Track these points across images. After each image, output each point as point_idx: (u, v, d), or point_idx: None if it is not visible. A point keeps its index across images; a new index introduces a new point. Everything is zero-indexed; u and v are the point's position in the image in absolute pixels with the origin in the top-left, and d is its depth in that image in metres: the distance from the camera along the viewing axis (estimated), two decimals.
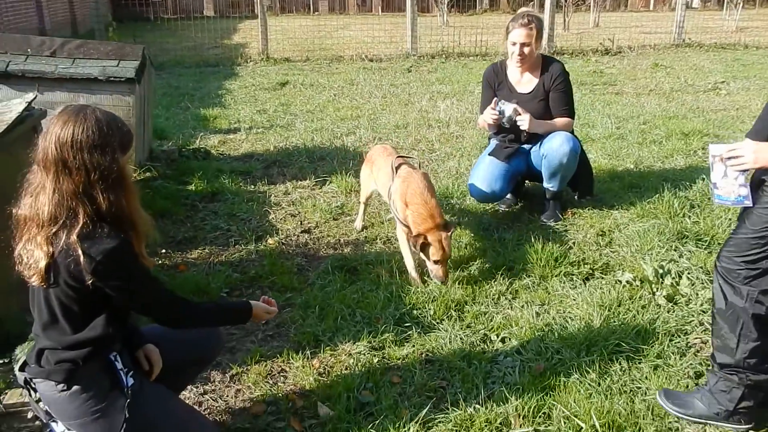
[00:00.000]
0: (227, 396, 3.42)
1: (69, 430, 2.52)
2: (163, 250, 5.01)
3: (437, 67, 14.49)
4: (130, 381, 2.55)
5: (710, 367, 3.09)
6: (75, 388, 2.44)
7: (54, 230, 2.33)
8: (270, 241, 5.25)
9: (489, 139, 5.82)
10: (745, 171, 2.78)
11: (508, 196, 5.85)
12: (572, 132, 5.47)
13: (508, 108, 5.17)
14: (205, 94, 11.55)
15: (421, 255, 4.43)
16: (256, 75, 13.65)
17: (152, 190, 6.00)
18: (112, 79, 5.76)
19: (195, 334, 2.95)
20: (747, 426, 3.03)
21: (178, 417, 2.73)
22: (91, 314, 2.45)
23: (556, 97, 5.40)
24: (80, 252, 2.28)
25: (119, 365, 2.54)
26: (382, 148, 5.32)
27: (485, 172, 5.45)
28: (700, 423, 3.07)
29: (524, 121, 5.12)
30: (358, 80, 12.79)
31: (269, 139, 8.37)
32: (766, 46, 16.78)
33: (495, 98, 5.29)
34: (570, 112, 5.48)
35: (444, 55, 15.98)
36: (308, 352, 3.74)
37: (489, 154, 5.55)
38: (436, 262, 4.36)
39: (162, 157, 7.10)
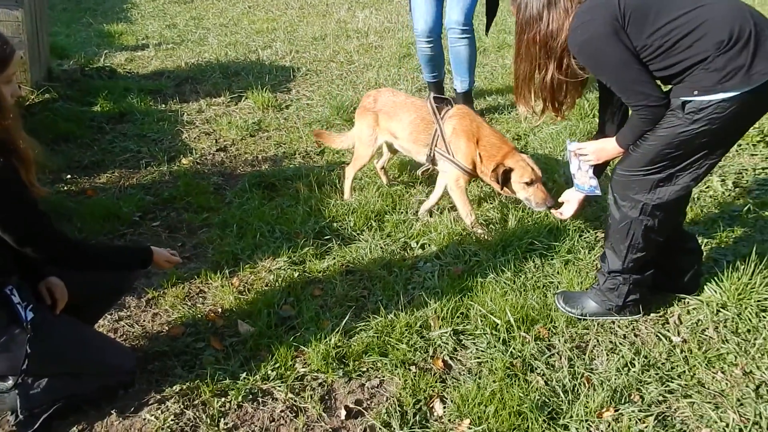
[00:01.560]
0: (144, 321, 3.35)
1: None
2: (69, 176, 4.78)
3: None
4: (30, 315, 2.43)
5: (599, 268, 3.23)
6: None
7: None
8: (184, 161, 5.09)
9: None
10: (592, 165, 3.22)
11: None
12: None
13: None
14: (109, 8, 10.90)
15: (506, 191, 3.94)
16: None
17: (52, 113, 5.66)
18: None
19: None
20: (638, 315, 3.26)
21: (89, 347, 2.67)
22: None
23: None
24: None
25: (16, 299, 2.42)
26: (389, 93, 4.42)
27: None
28: (595, 320, 3.24)
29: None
30: None
31: (180, 55, 8.01)
32: None
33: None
34: None
35: None
36: (227, 271, 3.69)
37: None
38: (528, 183, 3.82)
39: (63, 77, 6.69)
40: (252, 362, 3.01)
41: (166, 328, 3.29)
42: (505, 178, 3.83)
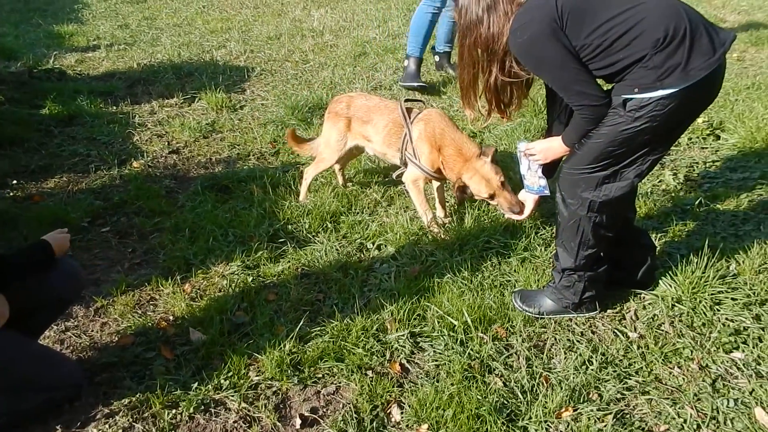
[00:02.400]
0: (92, 331, 3.25)
1: None
2: (15, 181, 4.62)
3: None
4: None
5: (554, 266, 3.23)
6: None
7: None
8: (135, 164, 4.95)
9: None
10: (541, 165, 3.25)
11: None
12: None
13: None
14: (59, 9, 10.60)
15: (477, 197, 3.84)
16: None
17: None
18: None
19: (52, 276, 2.74)
20: (595, 312, 3.27)
21: (31, 360, 2.57)
22: None
23: None
24: None
25: None
26: (363, 97, 4.32)
27: None
28: (552, 318, 3.23)
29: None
30: None
31: (132, 56, 7.82)
32: None
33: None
34: None
35: None
36: (179, 277, 3.59)
37: None
38: (489, 197, 3.74)
39: (9, 80, 6.48)
40: (204, 371, 2.93)
41: (115, 337, 3.19)
42: (463, 190, 3.78)
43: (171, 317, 3.31)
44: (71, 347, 3.12)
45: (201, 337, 3.13)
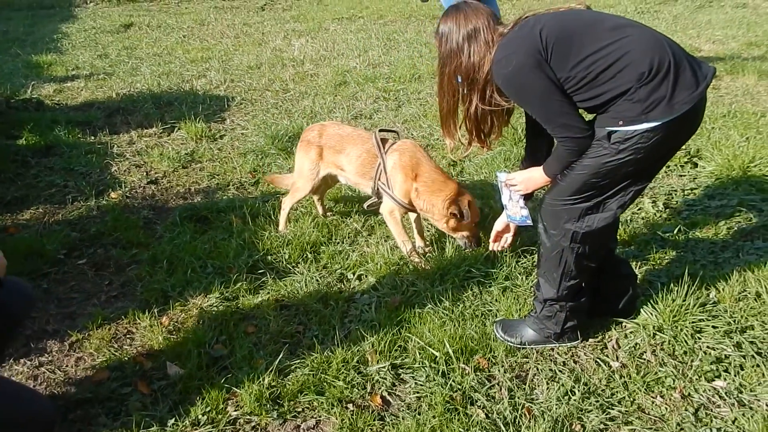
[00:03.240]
0: (66, 366, 3.17)
1: None
2: None
3: (292, 5, 14.03)
4: None
5: (536, 296, 3.22)
6: None
7: None
8: (113, 195, 4.90)
9: None
10: (522, 195, 3.23)
11: None
12: None
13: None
14: (39, 38, 10.58)
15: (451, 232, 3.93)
16: (97, 17, 12.67)
17: None
18: None
19: None
20: (577, 341, 3.25)
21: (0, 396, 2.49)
22: None
23: None
24: None
25: None
26: (335, 126, 4.33)
27: None
28: (534, 348, 3.21)
29: None
30: (209, 20, 12.17)
31: (111, 85, 7.80)
32: None
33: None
34: None
35: None
36: (156, 310, 3.53)
37: None
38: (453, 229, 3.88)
39: None
40: (181, 406, 2.87)
41: (90, 372, 3.12)
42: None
43: (148, 351, 3.25)
44: (45, 383, 3.05)
45: (178, 371, 3.07)
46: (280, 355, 3.12)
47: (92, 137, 6.06)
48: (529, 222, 3.33)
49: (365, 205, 4.15)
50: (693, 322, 3.24)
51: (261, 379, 2.97)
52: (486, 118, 3.03)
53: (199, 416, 2.81)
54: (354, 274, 3.84)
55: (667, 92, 2.56)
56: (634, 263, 3.75)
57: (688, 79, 2.60)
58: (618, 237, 3.89)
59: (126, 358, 3.19)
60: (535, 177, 3.07)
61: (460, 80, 2.93)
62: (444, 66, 2.97)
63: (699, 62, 2.70)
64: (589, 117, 2.83)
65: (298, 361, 3.12)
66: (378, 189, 4.00)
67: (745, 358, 3.06)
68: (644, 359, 3.12)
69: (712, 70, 2.69)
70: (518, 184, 3.19)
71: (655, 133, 2.60)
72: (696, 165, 5.11)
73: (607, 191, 2.79)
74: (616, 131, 2.64)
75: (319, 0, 14.63)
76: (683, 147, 5.16)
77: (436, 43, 2.99)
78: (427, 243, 4.15)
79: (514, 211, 3.34)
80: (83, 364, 3.20)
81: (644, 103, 2.56)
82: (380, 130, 4.08)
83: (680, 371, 3.02)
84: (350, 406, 2.87)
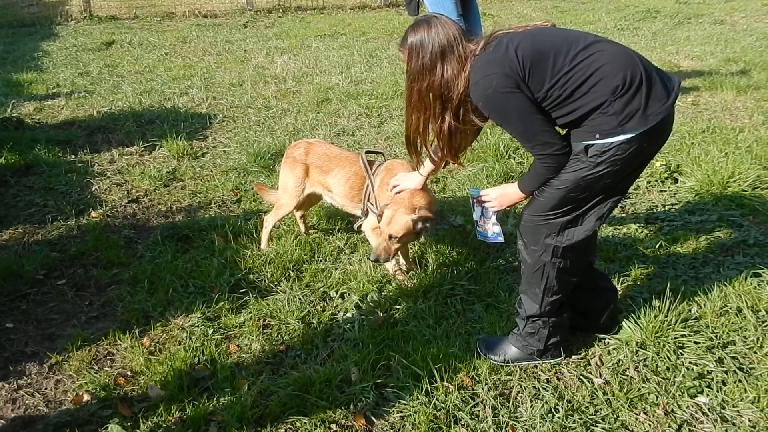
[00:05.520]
0: (46, 388, 3.13)
1: None
2: None
3: (274, 22, 14.02)
4: None
5: (517, 314, 3.22)
6: None
7: None
8: (93, 214, 4.86)
9: None
10: (496, 212, 3.21)
11: None
12: None
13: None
14: (19, 56, 10.48)
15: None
16: (78, 35, 12.57)
17: None
18: None
19: None
20: (560, 358, 3.25)
21: None
22: None
23: None
24: None
25: None
26: (322, 145, 4.30)
27: None
28: (517, 365, 3.20)
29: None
30: (192, 38, 12.12)
31: (92, 103, 7.74)
32: None
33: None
34: None
35: (281, 10, 15.48)
36: (137, 330, 3.50)
37: None
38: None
39: None
40: (163, 429, 2.83)
41: (70, 395, 3.08)
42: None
43: (129, 372, 3.21)
44: (24, 407, 3.00)
45: (160, 393, 3.03)
46: (263, 376, 3.10)
47: (73, 156, 6.01)
48: (501, 239, 3.31)
49: (355, 226, 4.13)
50: (675, 338, 3.26)
51: (243, 400, 2.94)
52: (458, 136, 3.03)
53: None
54: (337, 292, 3.82)
55: (641, 104, 2.62)
56: (615, 279, 3.77)
57: (660, 91, 2.67)
58: (599, 252, 3.93)
59: (106, 380, 3.15)
60: (510, 193, 3.07)
61: (432, 97, 2.89)
62: (414, 81, 2.90)
63: (667, 74, 2.78)
64: (563, 132, 2.85)
65: (281, 381, 3.09)
66: (367, 209, 3.99)
67: (727, 374, 3.07)
68: (627, 376, 3.13)
69: (678, 81, 2.78)
70: (492, 201, 3.16)
71: (631, 145, 2.64)
72: (676, 180, 5.15)
73: (586, 204, 2.82)
74: (593, 144, 2.67)
75: (301, 17, 14.67)
76: (663, 162, 5.25)
77: (403, 56, 2.92)
78: (410, 261, 4.15)
79: (485, 228, 3.30)
80: (63, 386, 3.15)
81: (620, 116, 2.61)
82: (367, 152, 4.07)
83: (663, 387, 3.03)
84: (333, 426, 2.85)
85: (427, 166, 3.54)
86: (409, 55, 2.87)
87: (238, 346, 3.39)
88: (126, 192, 5.29)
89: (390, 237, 3.58)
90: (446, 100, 2.88)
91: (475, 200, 3.27)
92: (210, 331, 3.48)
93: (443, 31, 2.81)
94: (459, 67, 2.79)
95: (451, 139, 3.01)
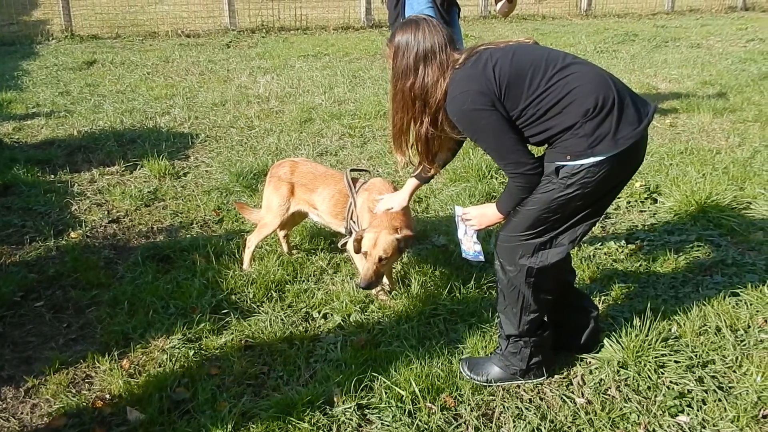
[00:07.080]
0: (21, 413, 3.08)
1: None
2: None
3: (257, 42, 14.06)
4: None
5: (500, 334, 3.23)
6: None
7: None
8: (72, 234, 4.81)
9: None
10: (477, 231, 3.22)
11: None
12: None
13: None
14: None
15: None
16: (60, 54, 12.51)
17: None
18: None
19: None
20: (543, 378, 3.25)
21: None
22: None
23: None
24: None
25: None
26: (308, 164, 4.34)
27: None
28: (500, 385, 3.20)
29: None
30: (174, 57, 12.11)
31: (73, 123, 7.69)
32: (560, 17, 17.76)
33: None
34: None
35: (264, 30, 15.53)
36: (116, 353, 3.45)
37: None
38: (365, 254, 3.67)
39: None
40: None
41: (47, 420, 3.03)
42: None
43: (107, 396, 3.17)
44: None
45: (139, 416, 2.99)
46: (244, 398, 3.07)
47: (52, 176, 5.96)
48: (482, 258, 3.32)
49: (339, 245, 4.13)
50: (656, 357, 3.27)
51: (224, 423, 2.91)
52: (435, 142, 3.05)
53: None
54: (319, 312, 3.81)
55: (611, 127, 2.66)
56: (596, 298, 3.79)
57: (631, 115, 2.70)
58: (580, 272, 3.95)
59: (84, 404, 3.10)
60: (488, 213, 3.10)
61: (413, 98, 2.90)
62: (397, 80, 2.93)
63: (642, 99, 2.82)
64: (537, 152, 2.87)
65: (263, 403, 3.06)
66: (350, 228, 3.99)
67: (707, 393, 3.09)
68: (609, 395, 3.13)
69: (654, 106, 2.81)
70: (473, 219, 3.19)
71: (601, 168, 2.68)
72: (656, 201, 5.21)
73: (560, 226, 2.85)
74: (564, 166, 2.71)
75: (284, 37, 14.72)
76: (643, 182, 5.31)
77: (389, 52, 2.94)
78: (394, 281, 4.14)
79: (467, 246, 3.33)
80: (39, 410, 3.10)
81: (590, 138, 2.64)
82: (351, 170, 4.08)
83: (644, 407, 3.04)
84: None
85: (410, 183, 3.57)
86: (395, 54, 2.90)
87: (219, 367, 3.36)
88: (106, 212, 5.25)
89: (380, 259, 3.58)
90: (425, 105, 2.90)
91: (459, 218, 3.29)
92: (191, 353, 3.44)
93: (430, 35, 2.84)
94: (439, 73, 2.81)
95: (428, 144, 3.04)
